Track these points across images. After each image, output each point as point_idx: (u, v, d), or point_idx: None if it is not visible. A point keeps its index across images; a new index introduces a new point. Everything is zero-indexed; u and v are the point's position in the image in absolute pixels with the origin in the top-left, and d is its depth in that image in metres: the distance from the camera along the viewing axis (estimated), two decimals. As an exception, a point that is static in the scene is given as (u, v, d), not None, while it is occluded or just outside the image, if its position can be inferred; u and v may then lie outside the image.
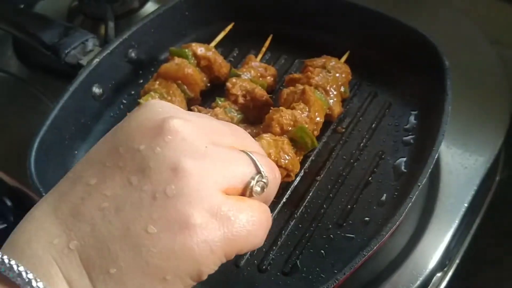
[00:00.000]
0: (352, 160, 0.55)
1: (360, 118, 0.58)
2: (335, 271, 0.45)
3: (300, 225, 0.52)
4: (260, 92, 0.57)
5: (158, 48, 0.67)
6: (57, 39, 0.63)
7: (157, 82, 0.59)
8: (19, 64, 0.78)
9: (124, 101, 0.65)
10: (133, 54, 0.65)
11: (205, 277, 0.30)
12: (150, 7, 0.80)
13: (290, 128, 0.52)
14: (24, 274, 0.27)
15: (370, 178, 0.54)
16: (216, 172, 0.30)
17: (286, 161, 0.50)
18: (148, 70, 0.67)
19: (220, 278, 0.49)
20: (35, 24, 0.65)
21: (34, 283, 0.27)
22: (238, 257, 0.50)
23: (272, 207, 0.53)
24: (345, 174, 0.54)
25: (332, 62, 0.58)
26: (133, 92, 0.65)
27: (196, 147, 0.30)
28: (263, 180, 0.32)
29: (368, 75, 0.60)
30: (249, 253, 0.50)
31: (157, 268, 0.28)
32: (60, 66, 0.69)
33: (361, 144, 0.56)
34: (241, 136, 0.35)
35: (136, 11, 0.80)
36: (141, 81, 0.66)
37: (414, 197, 0.45)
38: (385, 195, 0.52)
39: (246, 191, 0.32)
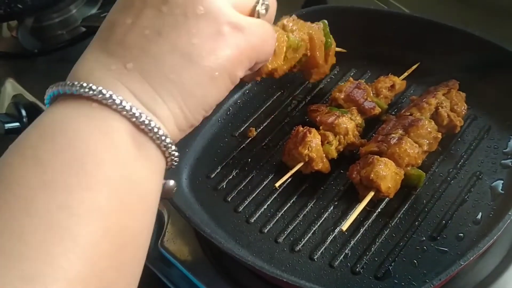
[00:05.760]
0: (449, 178, 0.57)
1: (459, 139, 0.60)
2: (427, 281, 0.46)
3: (393, 235, 0.54)
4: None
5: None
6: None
7: None
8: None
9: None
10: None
11: (238, 79, 0.36)
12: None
13: (409, 167, 0.56)
14: (100, 89, 0.31)
15: (466, 197, 0.55)
16: None
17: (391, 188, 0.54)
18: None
19: (314, 276, 0.52)
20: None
21: (104, 92, 0.31)
22: (332, 257, 0.53)
23: (366, 215, 0.56)
24: (442, 191, 0.56)
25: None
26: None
27: None
28: (266, 2, 0.39)
29: (468, 98, 0.61)
30: (342, 255, 0.53)
31: (207, 67, 0.34)
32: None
33: (459, 163, 0.58)
34: None
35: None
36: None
37: (513, 215, 0.47)
38: (480, 213, 0.53)
39: (253, 14, 0.38)
